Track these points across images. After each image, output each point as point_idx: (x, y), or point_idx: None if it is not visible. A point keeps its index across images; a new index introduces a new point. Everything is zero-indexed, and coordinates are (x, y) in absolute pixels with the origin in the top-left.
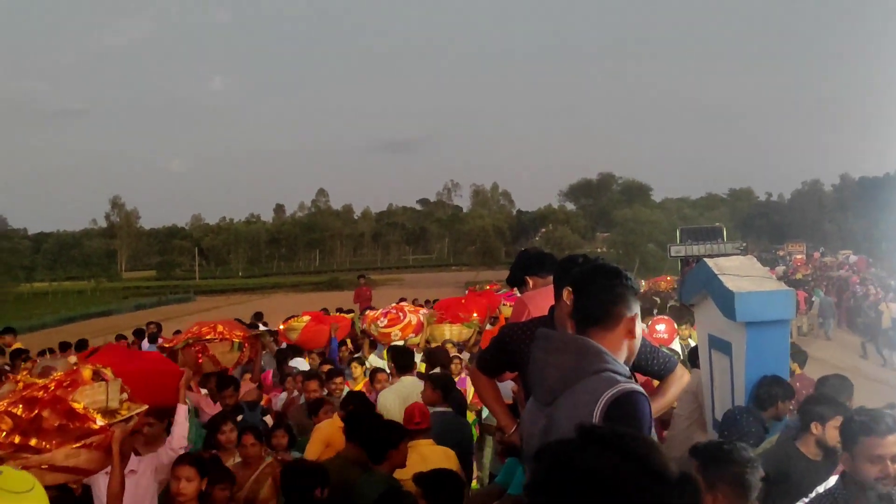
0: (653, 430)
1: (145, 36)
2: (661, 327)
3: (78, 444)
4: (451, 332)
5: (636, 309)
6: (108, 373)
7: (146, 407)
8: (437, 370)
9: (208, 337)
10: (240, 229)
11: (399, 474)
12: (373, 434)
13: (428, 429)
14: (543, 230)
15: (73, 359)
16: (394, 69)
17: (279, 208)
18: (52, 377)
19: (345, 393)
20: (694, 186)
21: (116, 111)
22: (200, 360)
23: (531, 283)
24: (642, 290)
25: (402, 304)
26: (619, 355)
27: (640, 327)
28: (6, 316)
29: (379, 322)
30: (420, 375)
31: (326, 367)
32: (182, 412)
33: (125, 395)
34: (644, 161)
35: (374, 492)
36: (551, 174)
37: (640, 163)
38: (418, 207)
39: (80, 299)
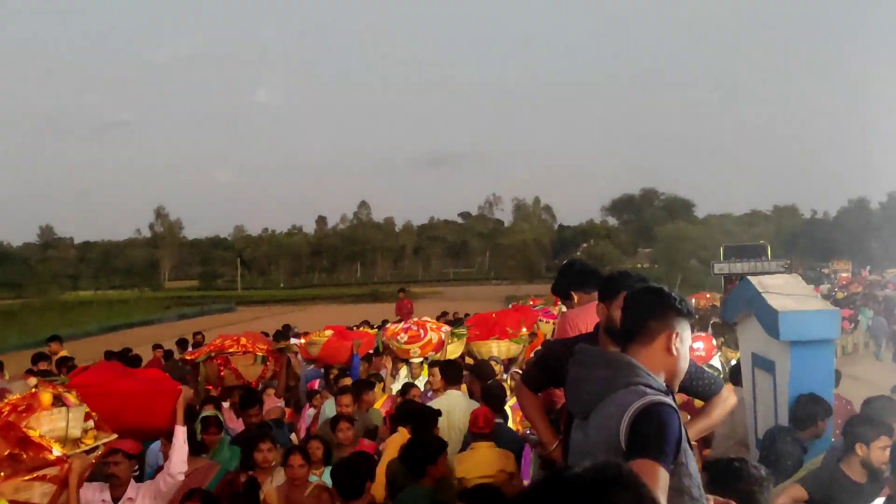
0: (687, 446)
1: (192, 50)
2: (698, 345)
3: (30, 476)
4: (498, 348)
5: (679, 328)
6: (71, 398)
7: (115, 436)
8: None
9: (231, 350)
10: (282, 241)
11: (465, 474)
12: (408, 452)
13: (491, 433)
14: (585, 245)
15: (32, 381)
16: (437, 83)
17: (321, 220)
18: (6, 401)
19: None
20: (737, 203)
21: (162, 123)
22: (222, 373)
23: (576, 298)
24: None
25: (425, 319)
26: (657, 372)
27: (683, 346)
28: (51, 324)
29: (399, 337)
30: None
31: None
32: (180, 435)
33: (90, 423)
34: (687, 177)
35: None
36: (593, 189)
37: (682, 178)
38: (460, 221)
39: (123, 308)
